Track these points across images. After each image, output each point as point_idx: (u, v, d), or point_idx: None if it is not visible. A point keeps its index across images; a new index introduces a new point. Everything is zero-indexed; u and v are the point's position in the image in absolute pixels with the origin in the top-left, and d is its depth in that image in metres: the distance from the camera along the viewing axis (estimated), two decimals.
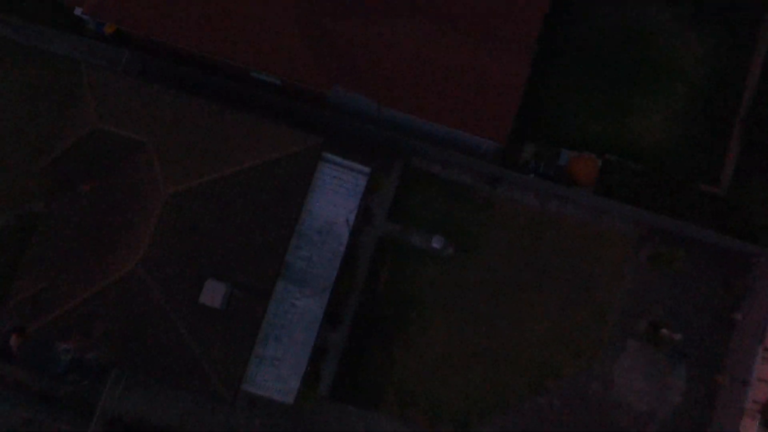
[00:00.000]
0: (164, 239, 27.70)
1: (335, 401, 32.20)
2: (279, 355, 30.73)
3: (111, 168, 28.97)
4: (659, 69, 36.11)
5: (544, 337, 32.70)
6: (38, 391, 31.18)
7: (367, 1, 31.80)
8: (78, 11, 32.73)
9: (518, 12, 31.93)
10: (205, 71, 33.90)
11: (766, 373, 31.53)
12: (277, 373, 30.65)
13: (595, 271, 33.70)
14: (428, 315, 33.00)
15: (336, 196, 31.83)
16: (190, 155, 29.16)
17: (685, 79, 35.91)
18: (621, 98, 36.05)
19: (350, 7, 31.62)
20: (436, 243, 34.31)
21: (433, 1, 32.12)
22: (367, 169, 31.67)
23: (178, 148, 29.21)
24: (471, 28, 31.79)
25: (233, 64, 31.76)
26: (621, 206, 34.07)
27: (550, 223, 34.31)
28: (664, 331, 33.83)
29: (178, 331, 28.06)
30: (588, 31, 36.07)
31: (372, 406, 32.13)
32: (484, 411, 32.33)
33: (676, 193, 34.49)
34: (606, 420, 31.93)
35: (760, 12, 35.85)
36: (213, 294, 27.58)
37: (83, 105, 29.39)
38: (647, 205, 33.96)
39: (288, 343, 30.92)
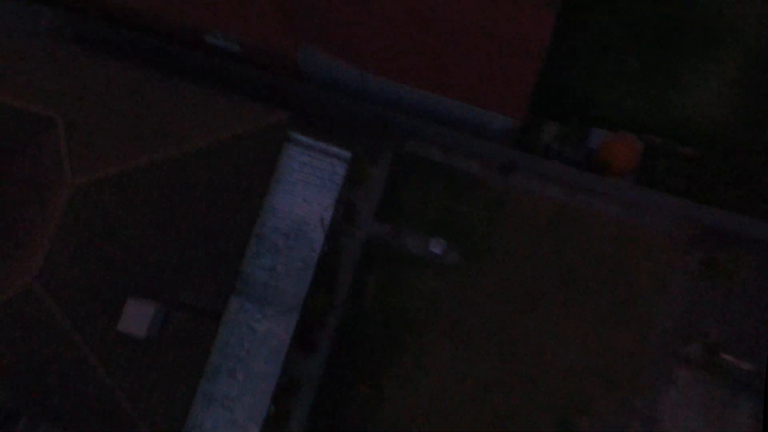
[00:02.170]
0: (70, 246, 19.74)
1: None
2: (233, 394, 23.27)
3: (12, 153, 20.87)
4: (711, 30, 29.23)
5: (573, 364, 26.67)
6: None
7: None
8: None
9: None
10: (151, 37, 26.10)
11: None
12: (230, 417, 23.95)
13: (635, 281, 27.45)
14: (427, 338, 27.00)
15: (307, 188, 24.88)
16: (111, 136, 21.24)
17: (743, 43, 28.94)
18: (664, 66, 29.22)
19: None
20: (436, 248, 27.77)
21: None
22: (346, 154, 24.34)
23: (96, 127, 21.22)
24: None
25: (182, 23, 23.80)
26: (667, 199, 27.30)
27: (578, 222, 27.93)
28: (727, 357, 26.45)
29: (91, 367, 20.01)
30: None
31: None
32: None
33: (737, 183, 28.01)
34: None
35: None
36: (136, 318, 19.70)
37: None
38: (700, 198, 27.84)
39: (245, 378, 24.05)
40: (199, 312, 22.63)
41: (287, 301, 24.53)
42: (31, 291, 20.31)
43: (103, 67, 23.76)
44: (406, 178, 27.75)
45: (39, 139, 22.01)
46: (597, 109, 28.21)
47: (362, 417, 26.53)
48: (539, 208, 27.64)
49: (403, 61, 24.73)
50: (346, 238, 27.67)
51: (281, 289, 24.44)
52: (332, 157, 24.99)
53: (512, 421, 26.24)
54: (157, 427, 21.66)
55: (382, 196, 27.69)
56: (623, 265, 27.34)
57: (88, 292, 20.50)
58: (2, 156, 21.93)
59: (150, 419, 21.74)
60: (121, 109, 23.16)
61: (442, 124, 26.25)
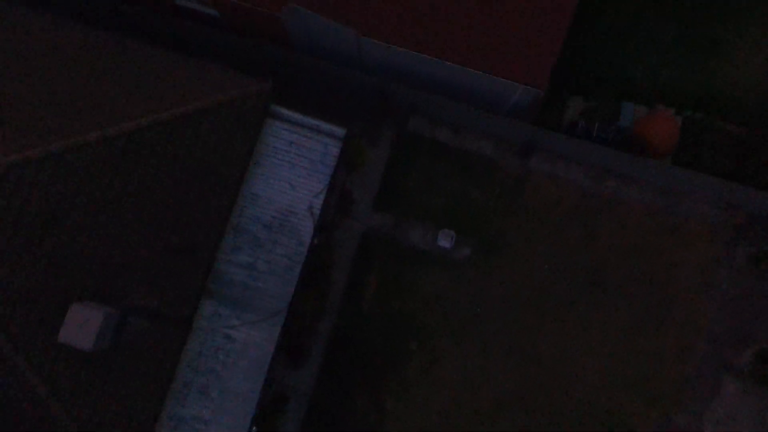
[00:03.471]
0: (0, 239, 15.45)
1: None
2: (206, 416, 19.96)
3: None
4: None
5: (605, 376, 23.34)
6: None
7: None
8: None
9: None
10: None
11: None
12: None
13: (675, 279, 24.04)
14: (435, 346, 23.69)
15: (294, 171, 20.95)
16: (56, 107, 16.93)
17: None
18: (705, 31, 25.19)
19: None
20: (445, 241, 24.18)
21: None
22: (340, 131, 20.95)
23: (36, 97, 16.92)
24: None
25: None
26: (709, 183, 23.47)
27: (609, 211, 24.32)
28: None
29: (30, 386, 15.81)
30: None
31: None
32: None
33: None
34: None
35: None
36: (81, 326, 15.42)
37: None
38: (746, 182, 24.05)
39: (220, 396, 20.29)
40: (162, 318, 18.60)
41: (270, 305, 20.65)
42: None
43: (49, 27, 19.47)
44: (410, 161, 24.39)
45: None
46: (629, 82, 24.49)
47: None
48: (564, 195, 24.27)
49: (405, 23, 20.51)
50: (340, 231, 24.42)
51: (263, 290, 20.62)
52: (324, 135, 21.12)
53: None
54: None
55: (382, 183, 24.40)
56: (661, 261, 23.95)
57: (24, 296, 16.22)
58: None
59: None
60: (70, 76, 18.90)
61: (451, 98, 21.93)
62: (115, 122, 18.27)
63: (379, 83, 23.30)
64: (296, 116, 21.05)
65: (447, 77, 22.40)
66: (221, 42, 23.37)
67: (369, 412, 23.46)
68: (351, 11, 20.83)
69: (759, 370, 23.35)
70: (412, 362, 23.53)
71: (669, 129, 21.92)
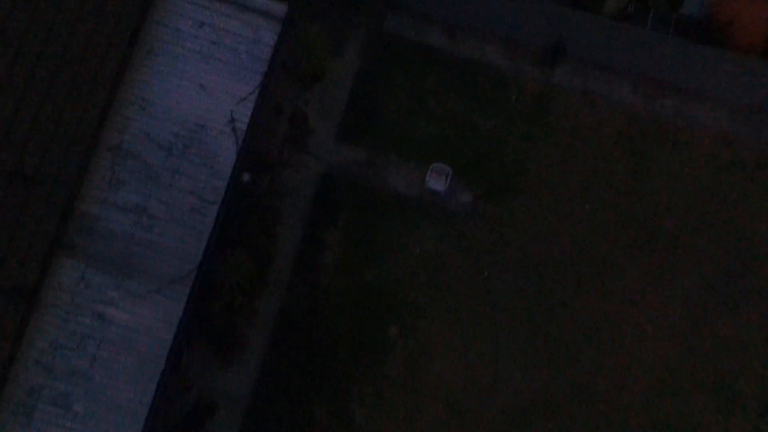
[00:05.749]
0: None
1: None
2: None
3: None
4: None
5: (662, 372, 18.19)
6: None
7: None
8: None
9: None
10: None
11: None
12: None
13: (760, 235, 18.67)
14: (422, 331, 18.20)
15: (208, 67, 14.84)
16: None
17: None
18: None
19: None
20: (437, 181, 18.44)
21: None
22: (279, 9, 15.40)
23: None
24: None
25: None
26: None
27: (666, 141, 19.03)
28: None
29: None
30: None
31: None
32: None
33: None
34: None
35: None
36: None
37: None
38: None
39: (88, 410, 13.67)
40: None
41: (170, 268, 14.34)
42: None
43: None
44: (388, 74, 19.18)
45: None
46: None
47: None
48: (603, 119, 19.06)
49: None
50: (291, 172, 18.53)
51: (158, 245, 14.45)
52: (254, 14, 15.18)
53: None
54: None
55: (350, 104, 19.03)
56: (741, 210, 18.73)
57: None
58: None
59: None
60: None
61: None
62: None
63: None
64: None
65: None
66: None
67: (332, 428, 17.64)
68: None
69: None
70: (391, 355, 17.97)
71: (761, 13, 14.93)
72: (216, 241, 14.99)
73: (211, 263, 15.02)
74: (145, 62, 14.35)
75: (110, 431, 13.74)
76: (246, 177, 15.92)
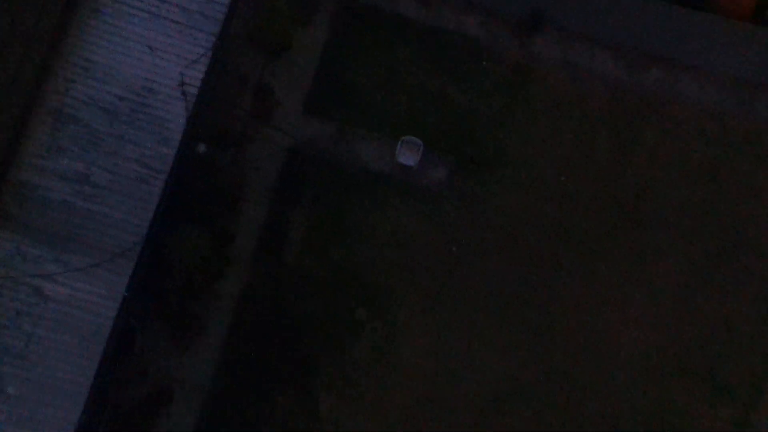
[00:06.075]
0: None
1: None
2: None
3: None
4: None
5: (649, 357, 17.34)
6: None
7: None
8: None
9: None
10: None
11: None
12: None
13: (751, 212, 17.83)
14: (393, 314, 17.29)
15: (155, 26, 13.83)
16: None
17: None
18: None
19: None
20: (408, 155, 17.41)
21: None
22: None
23: None
24: None
25: None
26: None
27: (652, 115, 18.06)
28: None
29: None
30: None
31: None
32: None
33: None
34: None
35: None
36: None
37: None
38: None
39: (22, 392, 12.70)
40: None
41: (113, 241, 13.32)
42: None
43: None
44: (359, 45, 18.24)
45: None
46: None
47: None
48: (586, 92, 18.12)
49: None
50: (255, 146, 17.61)
51: (102, 216, 13.41)
52: None
53: None
54: None
55: (318, 75, 18.07)
56: (731, 185, 17.91)
57: None
58: None
59: None
60: None
61: None
62: None
63: None
64: None
65: None
66: None
67: (296, 416, 16.83)
68: None
69: None
70: (359, 340, 17.17)
71: None
72: (166, 214, 14.05)
73: (161, 237, 14.03)
74: (89, 21, 13.38)
75: (47, 414, 12.69)
76: (202, 148, 15.01)
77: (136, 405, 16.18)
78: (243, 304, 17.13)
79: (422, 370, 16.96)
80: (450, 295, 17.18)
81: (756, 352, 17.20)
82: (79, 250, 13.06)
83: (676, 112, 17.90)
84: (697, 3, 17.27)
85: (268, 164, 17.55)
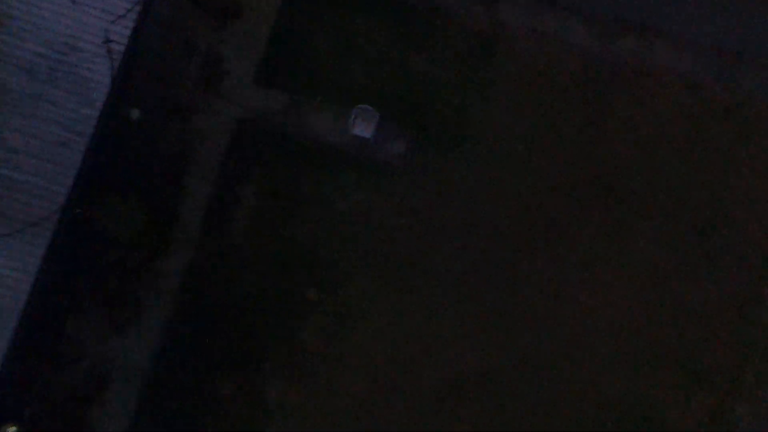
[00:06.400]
0: None
1: None
2: None
3: None
4: None
5: (621, 343, 16.52)
6: None
7: None
8: None
9: None
10: None
11: None
12: None
13: (733, 189, 16.99)
14: (346, 295, 16.57)
15: None
16: None
17: None
18: None
19: None
20: (362, 126, 16.41)
21: None
22: None
23: None
24: None
25: None
26: None
27: (626, 86, 17.24)
28: None
29: None
30: None
31: None
32: None
33: None
34: None
35: None
36: None
37: None
38: None
39: None
40: None
41: (29, 209, 12.31)
42: None
43: None
44: (314, 9, 17.31)
45: None
46: None
47: None
48: (556, 62, 17.28)
49: None
50: (202, 117, 16.62)
51: (16, 184, 12.34)
52: None
53: None
54: None
55: (271, 43, 17.18)
56: (711, 161, 17.04)
57: None
58: None
59: None
60: None
61: None
62: None
63: None
64: None
65: None
66: None
67: (240, 406, 15.88)
68: None
69: None
70: (309, 323, 16.18)
71: None
72: (93, 184, 12.98)
73: (88, 210, 13.01)
74: None
75: None
76: (136, 114, 13.97)
77: (69, 391, 15.27)
78: (186, 284, 16.07)
79: (376, 355, 16.04)
80: (408, 275, 16.24)
81: (733, 338, 16.27)
82: None
83: (651, 83, 16.89)
84: None
85: (215, 137, 16.50)
